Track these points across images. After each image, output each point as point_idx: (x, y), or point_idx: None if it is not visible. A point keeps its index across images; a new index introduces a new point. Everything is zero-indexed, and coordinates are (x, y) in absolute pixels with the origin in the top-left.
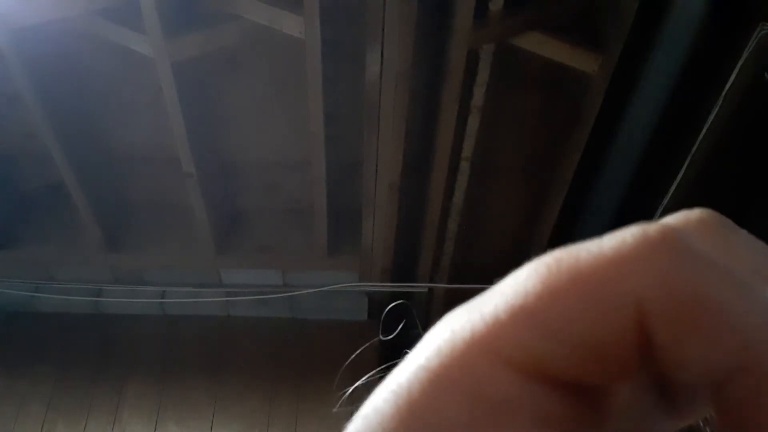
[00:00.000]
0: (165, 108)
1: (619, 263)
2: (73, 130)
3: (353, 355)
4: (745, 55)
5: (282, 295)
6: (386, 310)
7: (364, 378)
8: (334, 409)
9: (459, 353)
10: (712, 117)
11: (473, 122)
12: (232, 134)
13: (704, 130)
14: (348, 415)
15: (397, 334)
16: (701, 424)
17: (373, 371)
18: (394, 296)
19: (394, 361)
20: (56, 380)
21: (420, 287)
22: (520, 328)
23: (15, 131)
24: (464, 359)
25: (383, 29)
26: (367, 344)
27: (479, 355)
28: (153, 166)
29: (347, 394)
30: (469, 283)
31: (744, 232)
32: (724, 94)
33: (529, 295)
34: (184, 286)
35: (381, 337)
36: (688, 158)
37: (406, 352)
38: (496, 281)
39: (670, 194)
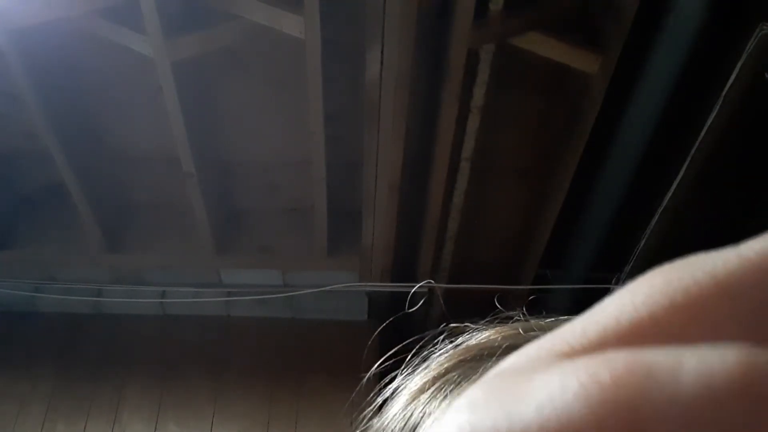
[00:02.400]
0: (165, 108)
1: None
2: (74, 130)
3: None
4: (745, 55)
5: (282, 295)
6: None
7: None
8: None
9: None
10: (712, 117)
11: (473, 122)
12: (232, 134)
13: (704, 130)
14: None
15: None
16: None
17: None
18: (394, 296)
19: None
20: (56, 380)
21: (420, 287)
22: None
23: (15, 131)
24: None
25: (383, 29)
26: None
27: None
28: (153, 166)
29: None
30: (469, 283)
31: None
32: (724, 94)
33: None
34: (184, 286)
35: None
36: (688, 158)
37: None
38: (496, 281)
39: (670, 194)
